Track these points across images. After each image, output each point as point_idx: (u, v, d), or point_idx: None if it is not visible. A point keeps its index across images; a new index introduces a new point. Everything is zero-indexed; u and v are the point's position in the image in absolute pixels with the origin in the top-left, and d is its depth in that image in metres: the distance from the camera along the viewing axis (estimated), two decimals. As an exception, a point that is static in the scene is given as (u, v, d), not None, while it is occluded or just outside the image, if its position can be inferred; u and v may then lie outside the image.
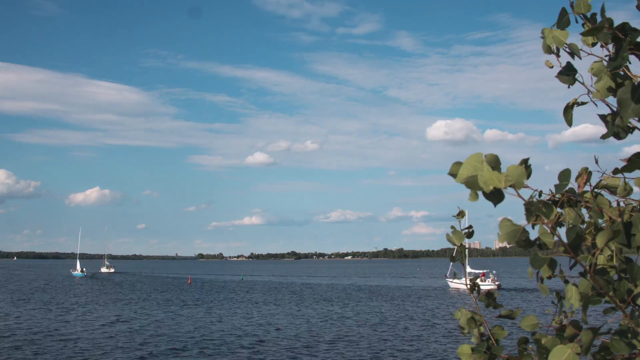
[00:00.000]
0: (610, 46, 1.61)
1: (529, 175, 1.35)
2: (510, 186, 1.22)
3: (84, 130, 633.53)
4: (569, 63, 1.72)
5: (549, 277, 1.61)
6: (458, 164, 1.20)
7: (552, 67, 1.76)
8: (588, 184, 1.69)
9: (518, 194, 1.26)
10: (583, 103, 1.77)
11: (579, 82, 1.71)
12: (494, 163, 1.18)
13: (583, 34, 1.62)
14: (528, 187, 1.30)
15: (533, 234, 1.39)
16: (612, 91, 1.62)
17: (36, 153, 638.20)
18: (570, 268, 1.55)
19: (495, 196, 1.19)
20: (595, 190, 1.70)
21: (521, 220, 1.38)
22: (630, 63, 1.54)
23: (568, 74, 1.71)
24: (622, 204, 1.65)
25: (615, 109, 1.63)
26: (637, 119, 1.46)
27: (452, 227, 2.69)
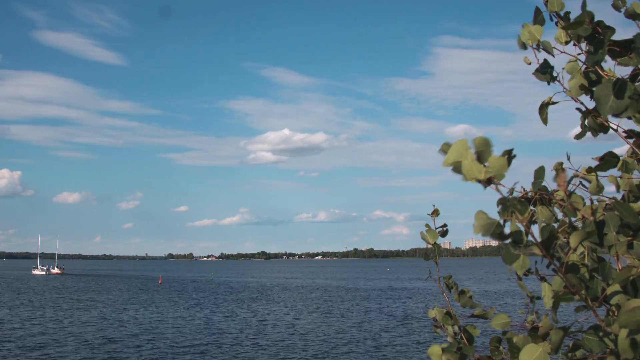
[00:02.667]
0: (584, 44, 1.61)
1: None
2: (490, 178, 1.20)
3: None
4: (545, 60, 1.72)
5: (526, 275, 1.60)
6: (447, 145, 1.18)
7: (530, 63, 1.76)
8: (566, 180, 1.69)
9: (497, 187, 1.24)
10: (554, 103, 1.77)
11: (557, 80, 1.71)
12: (484, 147, 1.15)
13: (564, 28, 1.61)
14: (501, 185, 1.28)
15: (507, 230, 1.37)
16: (584, 89, 1.62)
17: None
18: (548, 267, 1.54)
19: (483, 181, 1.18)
20: (570, 187, 1.70)
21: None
22: (605, 61, 1.54)
23: (544, 72, 1.71)
24: (595, 202, 1.65)
25: (588, 108, 1.63)
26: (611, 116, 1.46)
27: (427, 225, 2.69)
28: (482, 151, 1.17)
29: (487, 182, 1.20)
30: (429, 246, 2.68)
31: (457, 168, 1.18)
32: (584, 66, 1.63)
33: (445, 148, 1.20)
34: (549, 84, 1.71)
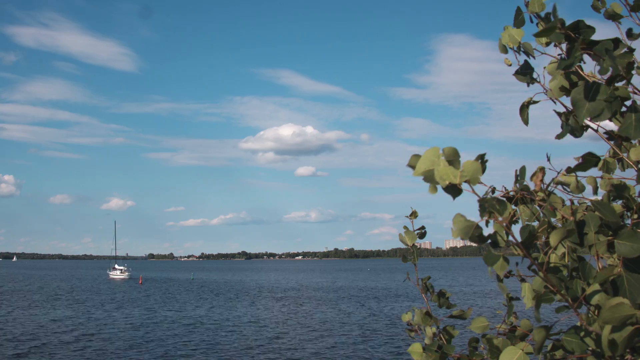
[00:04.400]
0: (564, 45, 1.62)
1: (483, 171, 1.33)
2: (465, 182, 1.20)
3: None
4: (526, 62, 1.72)
5: (507, 276, 1.60)
6: (417, 157, 1.17)
7: (510, 64, 1.76)
8: (542, 182, 1.69)
9: (473, 190, 1.24)
10: (535, 102, 1.77)
11: (537, 81, 1.71)
12: (452, 156, 1.15)
13: (536, 35, 1.63)
14: (482, 183, 1.28)
15: (488, 231, 1.37)
16: (565, 90, 1.62)
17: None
18: (529, 267, 1.54)
19: (453, 190, 1.17)
20: (549, 188, 1.71)
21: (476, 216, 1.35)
22: (584, 62, 1.54)
23: (525, 73, 1.71)
24: (575, 202, 1.66)
25: (568, 109, 1.64)
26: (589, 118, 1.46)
27: (405, 227, 2.69)
28: (452, 161, 1.17)
29: (458, 190, 1.19)
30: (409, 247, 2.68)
31: (428, 177, 1.18)
32: (564, 68, 1.63)
33: (414, 161, 1.20)
34: (528, 85, 1.72)
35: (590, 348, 1.42)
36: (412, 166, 1.18)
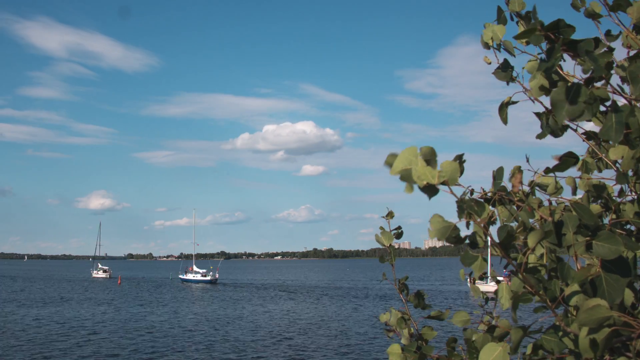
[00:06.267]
0: (544, 44, 1.61)
1: (462, 172, 1.32)
2: (443, 182, 1.19)
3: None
4: (505, 60, 1.72)
5: (481, 278, 1.59)
6: (393, 156, 1.15)
7: (490, 63, 1.75)
8: (521, 183, 1.68)
9: (451, 190, 1.23)
10: (514, 102, 1.76)
11: (516, 80, 1.71)
12: (429, 156, 1.13)
13: (516, 37, 1.62)
14: (460, 185, 1.27)
15: (468, 232, 1.36)
16: (544, 90, 1.61)
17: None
18: (504, 268, 1.53)
19: (429, 190, 1.15)
20: (527, 188, 1.70)
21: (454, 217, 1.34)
22: (564, 61, 1.53)
23: (505, 71, 1.70)
24: (554, 202, 1.65)
25: (547, 109, 1.63)
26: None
27: (381, 227, 2.68)
28: (429, 160, 1.16)
29: (435, 190, 1.18)
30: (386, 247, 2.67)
31: (405, 176, 1.16)
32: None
33: (390, 159, 1.18)
34: (508, 83, 1.71)
35: (568, 348, 1.42)
36: (389, 164, 1.16)
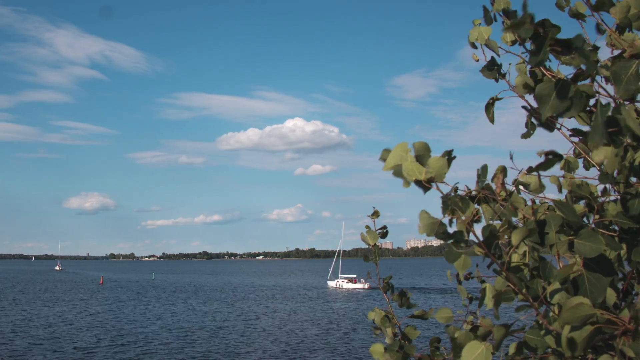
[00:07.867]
0: (529, 44, 1.61)
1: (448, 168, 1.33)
2: (430, 179, 1.19)
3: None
4: (492, 58, 1.72)
5: (467, 278, 1.59)
6: (387, 151, 1.17)
7: (477, 60, 1.76)
8: (504, 182, 1.68)
9: (437, 187, 1.24)
10: (499, 99, 1.77)
11: (504, 78, 1.71)
12: (422, 151, 1.15)
13: (505, 29, 1.62)
14: (445, 183, 1.27)
15: (452, 229, 1.36)
16: (527, 88, 1.62)
17: None
18: (488, 267, 1.53)
19: (422, 185, 1.17)
20: (511, 187, 1.70)
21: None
22: (550, 61, 1.54)
23: (491, 70, 1.71)
24: (537, 201, 1.65)
25: (532, 107, 1.63)
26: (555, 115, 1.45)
27: (367, 226, 2.68)
28: (422, 155, 1.17)
29: (428, 183, 1.19)
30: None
31: (397, 171, 1.17)
32: (529, 66, 1.63)
33: (384, 155, 1.19)
34: (497, 81, 1.72)
35: (550, 348, 1.42)
36: (384, 160, 1.18)
